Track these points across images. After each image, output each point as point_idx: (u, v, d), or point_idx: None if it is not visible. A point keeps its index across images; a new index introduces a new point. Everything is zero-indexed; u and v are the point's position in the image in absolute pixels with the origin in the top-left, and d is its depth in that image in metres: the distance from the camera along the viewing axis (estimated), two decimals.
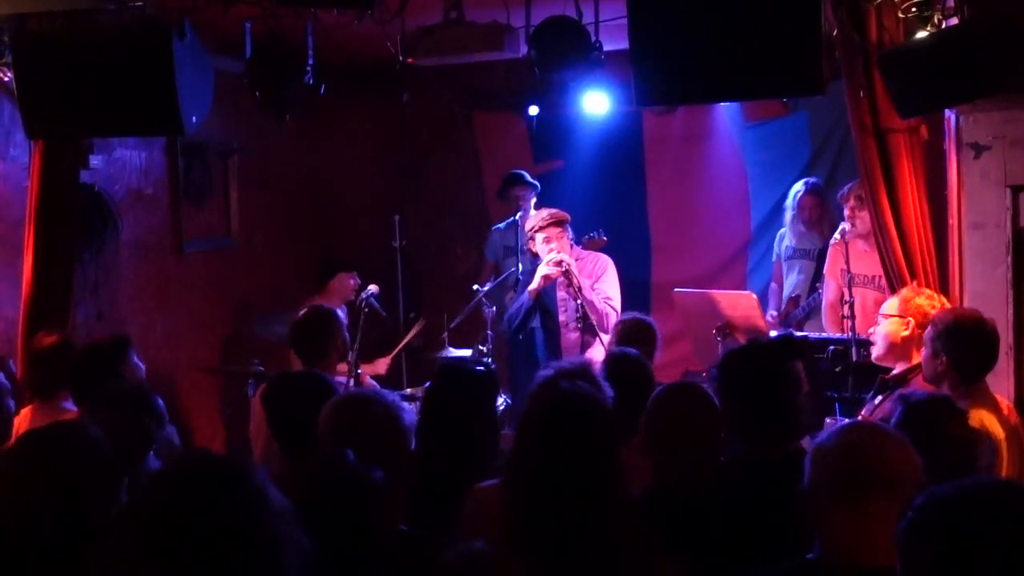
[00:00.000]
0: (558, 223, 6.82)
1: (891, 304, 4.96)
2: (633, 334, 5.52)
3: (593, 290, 6.70)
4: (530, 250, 7.06)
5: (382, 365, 7.77)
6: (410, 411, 3.52)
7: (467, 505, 3.55)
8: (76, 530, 2.65)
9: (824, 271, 7.13)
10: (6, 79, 5.93)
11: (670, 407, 3.68)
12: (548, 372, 3.96)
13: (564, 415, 2.97)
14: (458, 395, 4.00)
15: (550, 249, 6.75)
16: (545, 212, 6.93)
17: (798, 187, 7.70)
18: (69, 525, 2.67)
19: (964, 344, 4.30)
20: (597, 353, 6.57)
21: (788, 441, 3.72)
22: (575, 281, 6.44)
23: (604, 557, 2.78)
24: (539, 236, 6.82)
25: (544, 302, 7.04)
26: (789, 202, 7.74)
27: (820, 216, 7.61)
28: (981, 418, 4.08)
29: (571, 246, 6.98)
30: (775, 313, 7.49)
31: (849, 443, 2.62)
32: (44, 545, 2.67)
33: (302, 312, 5.82)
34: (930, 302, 4.87)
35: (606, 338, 6.51)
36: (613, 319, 6.62)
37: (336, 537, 2.72)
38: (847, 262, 6.22)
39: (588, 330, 6.53)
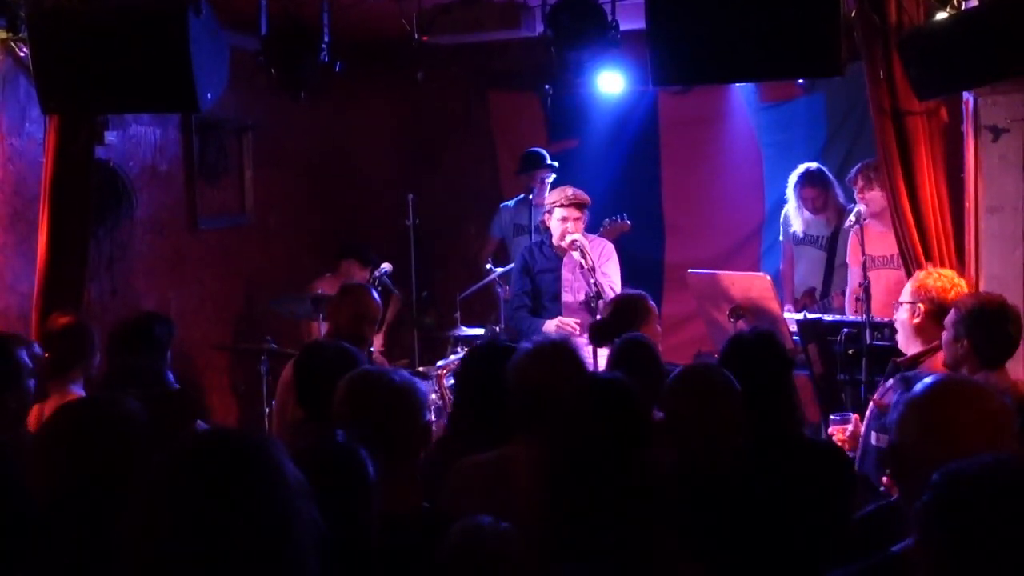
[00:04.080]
0: (579, 206, 6.78)
1: (905, 290, 4.95)
2: (625, 310, 5.46)
3: (603, 275, 6.67)
4: (543, 223, 7.04)
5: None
6: (424, 387, 3.52)
7: (452, 478, 3.56)
8: (111, 502, 2.66)
9: (847, 259, 7.07)
10: (22, 54, 5.93)
11: (689, 388, 3.66)
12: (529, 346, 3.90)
13: (600, 400, 2.96)
14: (490, 372, 3.98)
15: (564, 229, 6.73)
16: (570, 191, 6.87)
17: (795, 177, 7.58)
18: (104, 497, 2.68)
19: (986, 329, 4.28)
20: None
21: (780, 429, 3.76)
22: (588, 261, 6.42)
23: (635, 542, 2.77)
24: (558, 212, 6.79)
25: (543, 285, 7.02)
26: (790, 192, 7.66)
27: (824, 203, 7.52)
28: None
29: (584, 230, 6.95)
30: (789, 307, 7.40)
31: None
32: (78, 516, 2.68)
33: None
34: (941, 283, 4.83)
35: None
36: None
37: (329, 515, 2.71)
38: (863, 245, 6.19)
39: (594, 311, 6.49)
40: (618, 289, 6.72)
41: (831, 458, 3.88)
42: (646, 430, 3.01)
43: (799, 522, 3.37)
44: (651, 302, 5.52)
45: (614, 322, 5.12)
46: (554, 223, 6.83)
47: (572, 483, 2.85)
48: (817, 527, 3.36)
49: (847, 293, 7.08)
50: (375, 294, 5.64)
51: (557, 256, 6.94)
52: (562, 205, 6.78)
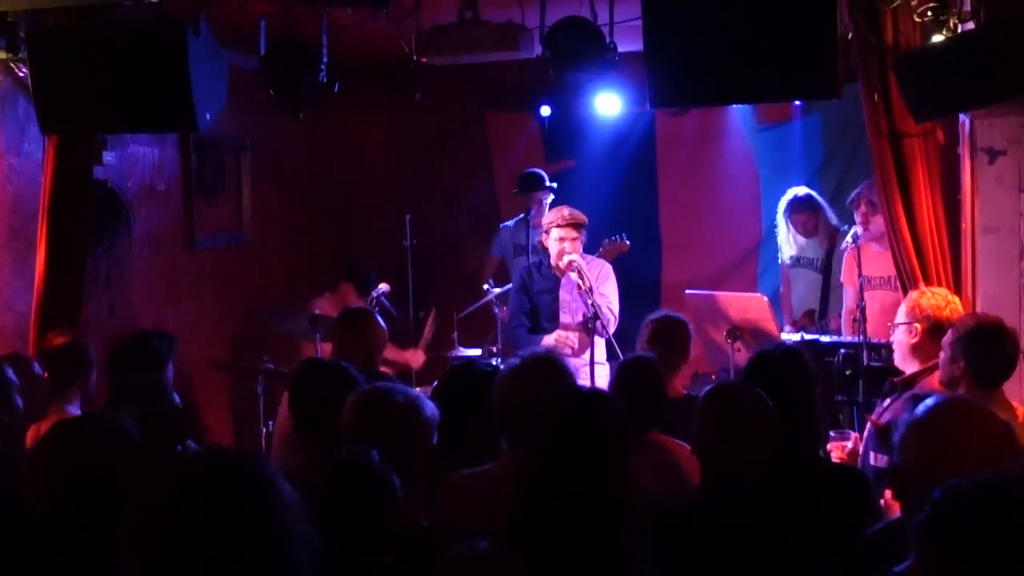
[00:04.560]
0: (576, 226, 6.78)
1: (900, 311, 4.97)
2: (665, 333, 5.47)
3: (601, 295, 6.67)
4: (542, 244, 7.04)
5: (417, 357, 7.76)
6: (432, 405, 3.50)
7: (441, 492, 3.55)
8: (105, 519, 2.66)
9: (841, 279, 7.09)
10: (21, 74, 5.94)
11: (720, 405, 3.63)
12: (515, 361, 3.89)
13: (578, 413, 2.95)
14: (466, 391, 3.99)
15: (561, 249, 6.73)
16: (566, 211, 6.87)
17: (784, 204, 7.64)
18: (98, 514, 2.68)
19: (983, 349, 4.28)
20: (599, 354, 6.55)
21: (803, 451, 3.72)
22: (586, 282, 6.41)
23: (609, 559, 2.77)
24: (555, 232, 6.78)
25: (541, 306, 7.03)
26: (780, 218, 7.70)
27: (815, 226, 7.57)
28: None
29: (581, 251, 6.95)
30: (789, 327, 7.43)
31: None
32: (68, 534, 2.68)
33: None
34: (935, 301, 4.85)
35: (600, 341, 6.52)
36: (614, 325, 6.60)
37: (350, 532, 2.72)
38: (859, 266, 6.20)
39: (591, 332, 6.49)
40: (616, 310, 6.73)
41: (851, 483, 3.84)
42: (623, 442, 2.98)
43: (816, 546, 3.34)
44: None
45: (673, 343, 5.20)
46: (551, 243, 6.83)
47: (542, 488, 2.83)
48: (832, 552, 3.32)
49: (842, 313, 7.10)
50: (378, 319, 5.61)
51: (555, 277, 6.94)
52: (559, 225, 6.78)
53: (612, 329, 6.51)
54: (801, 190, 7.66)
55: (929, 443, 2.48)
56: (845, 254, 6.80)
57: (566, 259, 6.61)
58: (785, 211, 7.60)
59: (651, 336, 5.41)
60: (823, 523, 3.42)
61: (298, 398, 4.23)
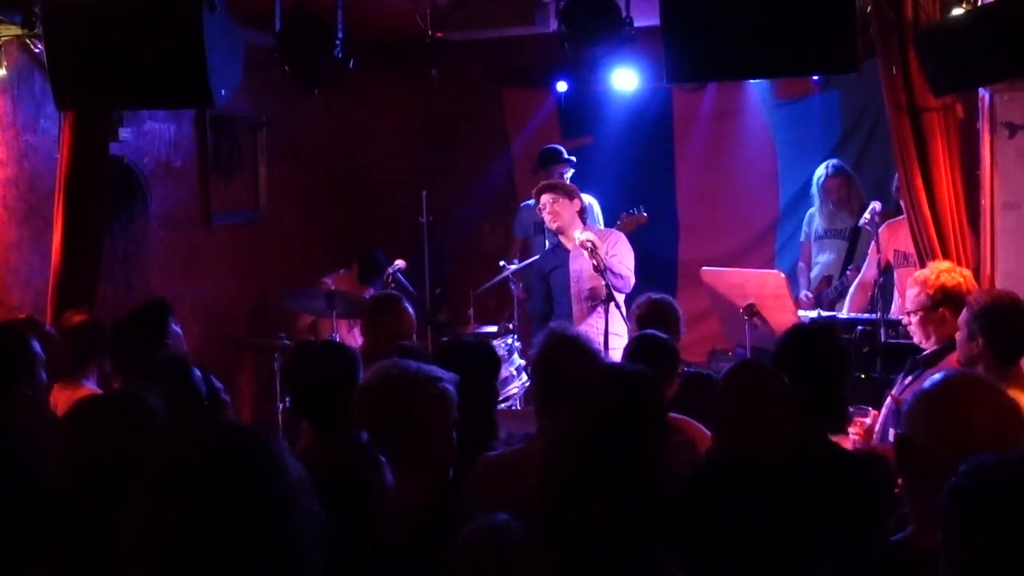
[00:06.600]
0: (551, 188, 6.85)
1: (914, 296, 4.81)
2: (652, 316, 5.38)
3: (613, 256, 6.69)
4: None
5: None
6: (451, 379, 3.45)
7: (473, 474, 3.51)
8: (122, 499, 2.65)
9: (869, 250, 7.04)
10: (37, 51, 5.94)
11: (743, 383, 3.60)
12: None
13: (625, 393, 2.90)
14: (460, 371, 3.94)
15: (546, 216, 6.82)
16: (545, 181, 6.96)
17: (820, 172, 7.66)
18: (121, 491, 2.68)
19: (1000, 325, 4.21)
20: (616, 325, 6.52)
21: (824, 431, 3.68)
22: (600, 262, 6.42)
23: (636, 542, 2.73)
24: (542, 199, 6.88)
25: (554, 282, 7.04)
26: (814, 187, 7.69)
27: (847, 196, 7.57)
28: (1018, 401, 4.01)
29: (584, 220, 6.99)
30: (809, 294, 7.43)
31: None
32: (89, 511, 2.68)
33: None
34: (952, 277, 4.76)
35: (622, 302, 6.52)
36: (632, 282, 6.65)
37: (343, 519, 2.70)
38: (880, 243, 6.14)
39: (606, 310, 6.49)
40: (631, 267, 6.71)
41: (872, 471, 3.78)
42: (663, 424, 2.93)
43: (830, 530, 3.30)
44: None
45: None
46: (544, 215, 6.91)
47: (573, 465, 2.79)
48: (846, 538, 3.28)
49: (855, 283, 7.00)
50: (409, 309, 5.55)
51: (566, 251, 6.95)
52: (540, 189, 6.85)
53: (630, 287, 6.56)
54: (834, 160, 7.74)
55: (935, 416, 2.46)
56: (883, 228, 6.65)
57: (579, 238, 6.60)
58: (820, 179, 7.62)
59: (640, 321, 5.30)
60: (840, 508, 3.39)
61: (293, 383, 4.21)
